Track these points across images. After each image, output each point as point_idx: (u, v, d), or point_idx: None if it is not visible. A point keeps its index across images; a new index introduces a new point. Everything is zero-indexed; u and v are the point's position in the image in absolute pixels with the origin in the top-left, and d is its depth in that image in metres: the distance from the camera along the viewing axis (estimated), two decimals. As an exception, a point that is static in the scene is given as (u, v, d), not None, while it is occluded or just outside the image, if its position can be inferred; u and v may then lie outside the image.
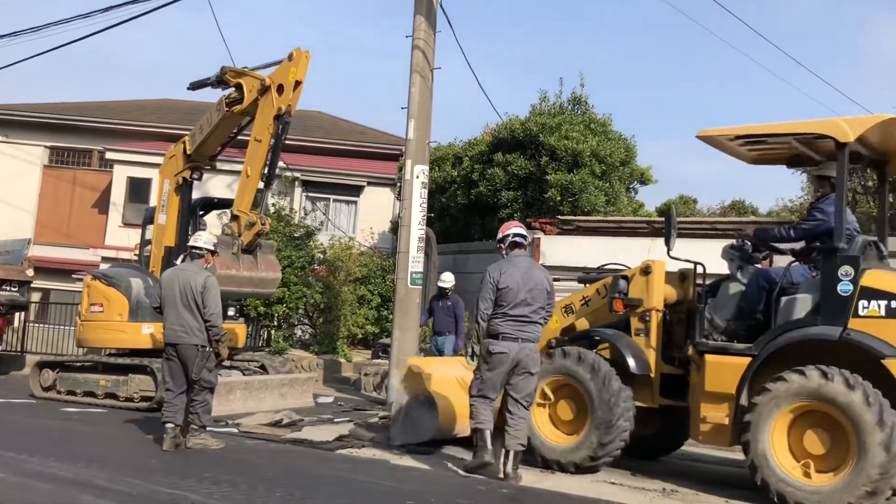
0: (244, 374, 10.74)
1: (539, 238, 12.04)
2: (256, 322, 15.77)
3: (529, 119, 16.37)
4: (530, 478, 6.60)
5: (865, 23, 60.53)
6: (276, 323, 15.67)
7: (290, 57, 9.72)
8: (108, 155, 20.88)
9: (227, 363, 10.15)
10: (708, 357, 6.52)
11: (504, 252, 6.82)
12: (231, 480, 6.00)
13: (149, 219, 11.67)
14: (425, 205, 11.58)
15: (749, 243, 6.94)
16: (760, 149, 7.14)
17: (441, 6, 11.71)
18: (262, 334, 16.39)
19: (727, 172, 55.09)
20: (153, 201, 12.30)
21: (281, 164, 19.22)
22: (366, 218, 20.27)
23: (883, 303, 5.89)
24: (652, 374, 6.97)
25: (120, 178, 20.85)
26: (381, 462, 7.21)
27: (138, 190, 20.54)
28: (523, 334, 6.50)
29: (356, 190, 21.06)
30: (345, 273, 15.73)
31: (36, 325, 16.99)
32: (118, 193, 20.83)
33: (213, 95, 10.89)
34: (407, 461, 7.24)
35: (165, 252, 10.83)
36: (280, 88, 9.65)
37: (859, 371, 5.82)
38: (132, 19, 14.95)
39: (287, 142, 21.07)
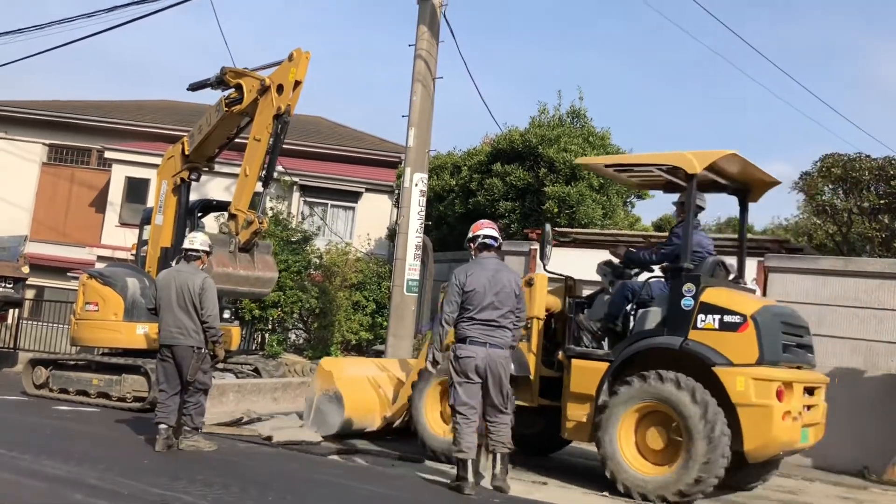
0: (237, 377, 10.73)
1: (535, 249, 12.07)
2: (251, 325, 15.76)
3: (529, 130, 16.43)
4: (521, 489, 6.61)
5: (865, 46, 60.93)
6: (270, 326, 15.66)
7: (290, 57, 9.75)
8: (107, 154, 20.85)
9: (220, 365, 10.15)
10: (574, 361, 7.22)
11: (473, 252, 6.69)
12: (222, 482, 6.01)
13: (146, 219, 11.66)
14: (423, 213, 11.63)
15: (615, 259, 7.67)
16: (638, 176, 7.96)
17: (444, 16, 11.79)
18: (255, 337, 16.38)
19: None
20: (151, 201, 12.29)
21: (280, 168, 19.31)
22: (363, 224, 20.29)
23: (717, 317, 6.57)
24: (531, 377, 7.52)
25: (118, 178, 20.84)
26: (373, 469, 7.22)
27: (136, 190, 20.52)
28: (491, 339, 6.32)
29: (354, 196, 21.09)
30: (340, 278, 15.74)
31: (29, 322, 16.96)
32: (116, 193, 20.83)
33: (212, 98, 10.95)
34: (399, 469, 7.26)
35: (161, 253, 10.81)
36: (280, 88, 9.67)
37: (699, 377, 6.47)
38: (135, 20, 14.99)
39: (286, 146, 21.04)
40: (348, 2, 68.46)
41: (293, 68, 9.63)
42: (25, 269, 14.09)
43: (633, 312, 7.23)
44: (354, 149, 22.79)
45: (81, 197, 22.17)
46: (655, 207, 48.52)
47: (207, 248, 7.78)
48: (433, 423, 7.85)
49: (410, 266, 11.45)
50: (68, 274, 19.81)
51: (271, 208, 16.50)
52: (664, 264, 7.23)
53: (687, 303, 6.70)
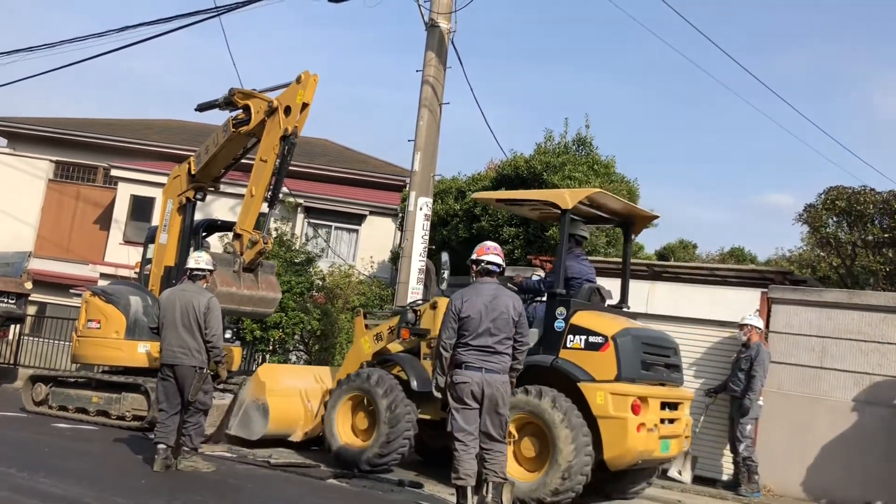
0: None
1: (540, 275, 12.07)
2: (252, 346, 15.72)
3: (534, 157, 16.49)
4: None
5: (870, 76, 61.23)
6: (271, 347, 15.62)
7: (298, 79, 9.81)
8: (113, 172, 20.94)
9: (220, 385, 10.11)
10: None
11: (473, 275, 6.60)
12: (220, 505, 5.97)
13: (151, 237, 11.65)
14: (427, 236, 11.63)
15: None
16: (537, 209, 8.68)
17: (452, 43, 11.88)
18: (256, 358, 16.33)
19: (730, 220, 55.35)
20: (156, 220, 12.31)
21: (285, 189, 19.30)
22: (366, 247, 20.32)
23: (584, 337, 7.29)
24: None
25: (123, 196, 20.91)
26: (371, 494, 7.17)
27: (141, 208, 20.59)
28: (487, 364, 6.22)
29: (358, 218, 21.13)
30: (343, 301, 15.72)
31: (30, 338, 16.92)
32: (121, 211, 20.90)
33: (220, 118, 10.99)
34: (397, 495, 7.22)
35: (165, 272, 10.79)
36: (287, 110, 9.73)
37: (570, 393, 7.13)
38: (145, 40, 15.18)
39: (292, 168, 21.09)
40: (358, 27, 69.12)
41: (301, 90, 9.69)
42: (28, 286, 14.09)
43: None
44: (359, 172, 22.88)
45: (86, 214, 22.25)
46: (658, 236, 48.62)
47: (212, 268, 7.78)
48: (343, 433, 8.36)
49: (413, 290, 11.43)
50: (71, 291, 19.83)
51: (276, 229, 16.53)
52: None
53: (559, 325, 7.44)
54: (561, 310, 7.45)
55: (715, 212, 56.56)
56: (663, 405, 7.45)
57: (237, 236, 10.04)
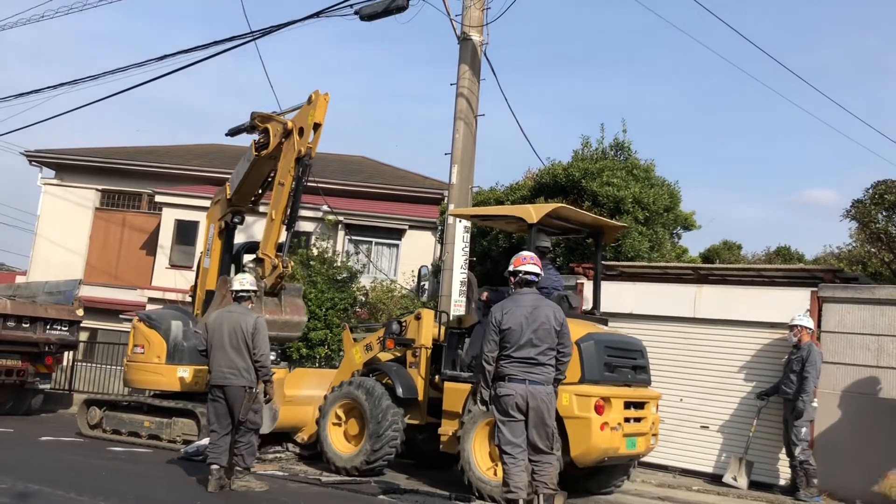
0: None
1: (582, 283, 11.98)
2: (299, 364, 15.85)
3: (571, 164, 16.38)
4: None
5: (912, 68, 59.79)
6: (317, 365, 15.73)
7: (308, 100, 9.78)
8: (158, 198, 21.33)
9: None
10: (447, 384, 8.39)
11: (512, 287, 6.55)
12: (274, 524, 6.00)
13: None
14: (467, 248, 11.64)
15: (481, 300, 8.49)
16: (511, 223, 9.02)
17: (485, 54, 11.92)
18: (303, 376, 16.46)
19: (774, 219, 54.37)
20: (200, 244, 12.49)
21: (325, 207, 19.65)
22: (407, 261, 20.37)
23: None
24: (419, 398, 8.77)
25: (168, 221, 21.30)
26: (423, 508, 7.15)
27: (185, 232, 20.94)
28: (531, 376, 6.17)
29: (398, 233, 21.21)
30: (387, 315, 15.77)
31: (83, 364, 17.29)
32: (166, 236, 21.27)
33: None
34: (449, 508, 7.18)
35: (208, 295, 10.90)
36: (301, 131, 9.72)
37: None
38: (184, 68, 15.47)
39: (330, 185, 21.34)
40: (393, 43, 69.64)
41: (312, 111, 9.64)
42: (80, 312, 14.40)
43: None
44: (398, 187, 22.99)
45: (133, 240, 22.69)
46: (703, 238, 47.93)
47: (256, 289, 7.87)
48: (334, 439, 8.89)
49: (455, 302, 11.43)
50: (120, 316, 20.20)
51: (316, 247, 16.68)
52: None
53: None
54: None
55: (758, 211, 55.63)
56: (627, 405, 7.84)
57: (259, 261, 10.06)
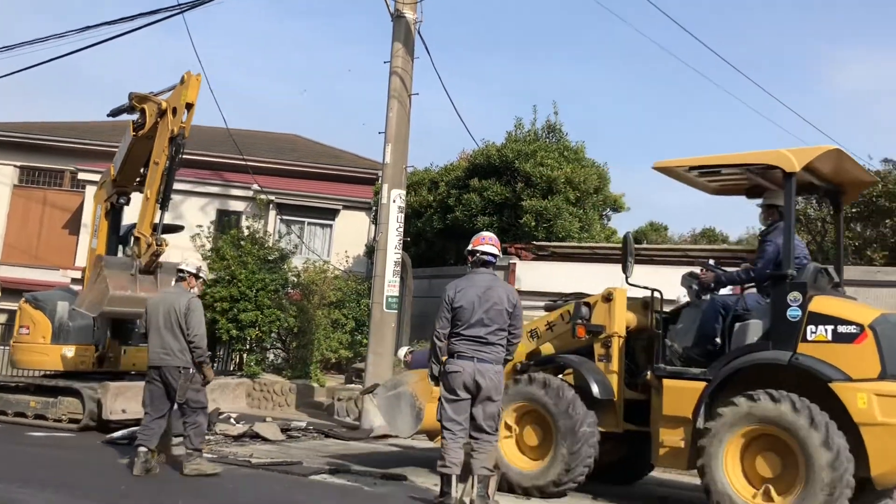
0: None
1: (514, 263, 12.12)
2: (228, 345, 15.59)
3: (505, 146, 16.50)
4: (506, 502, 6.56)
5: (833, 56, 62.08)
6: (248, 346, 15.51)
7: (181, 80, 9.89)
8: (81, 175, 20.63)
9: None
10: (666, 382, 6.72)
11: (469, 265, 6.62)
12: (203, 506, 5.91)
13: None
14: (401, 229, 11.61)
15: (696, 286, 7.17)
16: (718, 180, 7.40)
17: (419, 33, 11.83)
18: (234, 357, 16.20)
19: (697, 202, 55.83)
20: (126, 222, 12.19)
21: (255, 186, 19.32)
22: (340, 241, 20.22)
23: (830, 328, 6.08)
24: (615, 399, 7.10)
25: (92, 200, 20.58)
26: (354, 489, 7.14)
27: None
28: (479, 354, 6.21)
29: (331, 213, 21.02)
30: (319, 297, 15.64)
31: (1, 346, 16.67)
32: (90, 215, 20.56)
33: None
34: (382, 488, 7.19)
35: None
36: (174, 112, 9.79)
37: (808, 394, 5.98)
38: (107, 40, 14.90)
39: (261, 164, 20.97)
40: (325, 20, 68.64)
41: (185, 91, 9.76)
42: (-2, 294, 13.89)
43: (728, 327, 6.73)
44: (331, 166, 22.75)
45: (54, 219, 21.90)
46: (630, 220, 48.97)
47: (193, 270, 7.70)
48: (509, 454, 7.32)
49: (390, 283, 11.42)
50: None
51: (247, 227, 16.41)
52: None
53: (793, 313, 6.24)
54: (795, 295, 6.26)
55: (685, 195, 57.03)
56: None
57: (136, 240, 10.09)
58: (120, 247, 11.21)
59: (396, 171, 11.61)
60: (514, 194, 15.68)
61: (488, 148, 16.65)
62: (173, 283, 7.92)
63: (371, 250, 14.85)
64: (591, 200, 16.24)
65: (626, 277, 6.94)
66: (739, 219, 67.37)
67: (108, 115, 11.32)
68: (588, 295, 7.56)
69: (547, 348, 7.71)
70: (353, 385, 14.07)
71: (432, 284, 17.06)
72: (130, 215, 11.40)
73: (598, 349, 7.26)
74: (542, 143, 16.65)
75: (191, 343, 7.25)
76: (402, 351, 11.63)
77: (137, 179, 11.12)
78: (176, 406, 7.36)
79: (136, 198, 11.48)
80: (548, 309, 8.08)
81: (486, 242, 6.52)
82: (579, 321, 7.32)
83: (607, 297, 7.26)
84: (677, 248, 12.61)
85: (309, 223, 21.07)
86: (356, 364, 14.86)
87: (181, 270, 7.68)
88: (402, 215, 11.61)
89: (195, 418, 7.27)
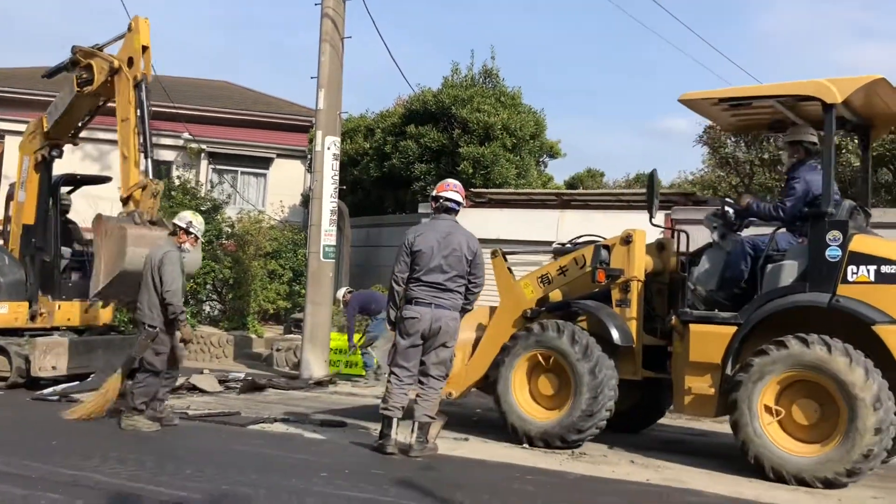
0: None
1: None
2: (163, 298, 15.31)
3: (442, 91, 16.38)
4: (445, 446, 6.66)
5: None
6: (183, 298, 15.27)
7: (129, 28, 9.52)
8: (1, 125, 19.77)
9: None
10: (692, 327, 6.41)
11: (433, 212, 6.61)
12: (137, 459, 5.85)
13: (11, 195, 11.17)
14: (337, 177, 11.48)
15: (731, 210, 6.85)
16: (743, 113, 7.01)
17: (351, -27, 11.53)
18: (169, 311, 15.94)
19: (632, 148, 56.61)
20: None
21: (186, 134, 18.77)
22: (275, 191, 19.89)
23: (872, 268, 5.82)
24: (634, 346, 6.84)
25: (13, 150, 19.76)
26: (294, 436, 7.16)
27: (33, 162, 19.50)
28: (437, 300, 6.21)
29: (265, 162, 20.63)
30: (254, 247, 15.44)
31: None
32: (11, 166, 19.74)
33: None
34: (321, 435, 7.22)
35: (24, 230, 10.46)
36: (130, 62, 9.42)
37: (847, 338, 5.77)
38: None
39: (193, 112, 20.32)
40: (252, -38, 66.25)
41: (136, 36, 9.41)
42: None
43: (759, 269, 6.39)
44: (264, 113, 22.20)
45: (-28, 171, 20.94)
46: (567, 167, 49.42)
47: (183, 225, 7.43)
48: (521, 401, 7.06)
49: (326, 232, 11.32)
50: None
51: (178, 177, 16.00)
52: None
53: (833, 253, 5.92)
54: (835, 234, 5.94)
55: (620, 140, 57.75)
56: None
57: (127, 200, 9.59)
58: (51, 199, 10.62)
59: (330, 118, 11.42)
60: (452, 141, 15.62)
61: (424, 94, 16.50)
62: (166, 236, 7.67)
63: (307, 199, 14.65)
64: (528, 147, 16.30)
65: (651, 218, 6.66)
66: (671, 164, 68.62)
67: (44, 77, 10.73)
68: (601, 238, 7.26)
69: (555, 295, 7.32)
70: (291, 336, 14.03)
71: (370, 234, 16.98)
72: (60, 167, 11.01)
73: (616, 294, 6.91)
74: (478, 88, 16.58)
75: (163, 299, 7.05)
76: (341, 291, 11.68)
77: (72, 132, 10.68)
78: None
79: (68, 150, 11.13)
80: (557, 254, 7.77)
81: (450, 189, 6.50)
82: (600, 265, 6.94)
83: (626, 240, 6.91)
84: (611, 193, 12.80)
85: (242, 172, 20.64)
86: (295, 314, 14.79)
87: (175, 224, 7.46)
88: (338, 163, 11.46)
89: (143, 377, 7.13)
